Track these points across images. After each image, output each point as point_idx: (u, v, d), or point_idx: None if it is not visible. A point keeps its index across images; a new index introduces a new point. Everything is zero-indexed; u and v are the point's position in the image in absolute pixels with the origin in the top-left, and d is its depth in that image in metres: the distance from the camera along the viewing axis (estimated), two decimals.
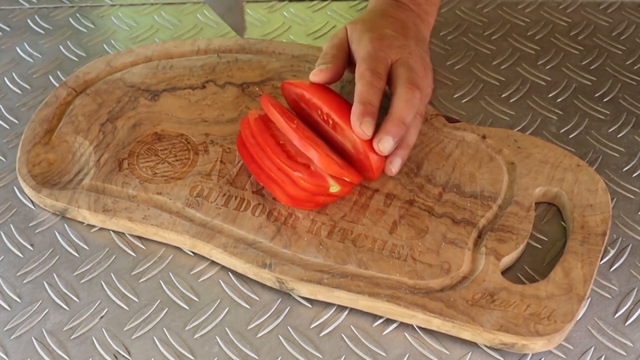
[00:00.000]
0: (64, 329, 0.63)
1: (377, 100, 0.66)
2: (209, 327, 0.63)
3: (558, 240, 0.67)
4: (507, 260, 0.64)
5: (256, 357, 0.61)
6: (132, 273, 0.67)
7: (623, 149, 0.74)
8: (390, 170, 0.67)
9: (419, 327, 0.62)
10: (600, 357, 0.60)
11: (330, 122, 0.66)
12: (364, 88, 0.67)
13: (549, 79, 0.82)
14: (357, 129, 0.64)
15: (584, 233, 0.64)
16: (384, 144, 0.64)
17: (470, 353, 0.61)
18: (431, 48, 0.86)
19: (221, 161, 0.72)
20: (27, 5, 0.95)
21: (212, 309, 0.64)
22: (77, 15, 0.93)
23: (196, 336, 0.62)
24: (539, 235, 0.68)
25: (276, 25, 0.91)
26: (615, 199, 0.70)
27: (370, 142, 0.65)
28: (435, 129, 0.74)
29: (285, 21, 0.91)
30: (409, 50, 0.72)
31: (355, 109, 0.65)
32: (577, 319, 0.61)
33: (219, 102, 0.78)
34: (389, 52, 0.70)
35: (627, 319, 0.62)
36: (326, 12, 0.92)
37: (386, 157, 0.67)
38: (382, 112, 0.66)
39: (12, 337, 0.63)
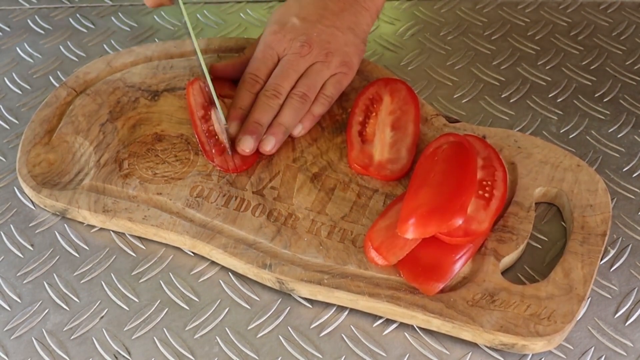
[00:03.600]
0: (64, 329, 0.63)
1: (247, 103, 0.73)
2: (209, 327, 0.63)
3: (558, 241, 0.67)
4: (507, 260, 0.64)
5: (256, 357, 0.61)
6: (132, 273, 0.67)
7: (623, 149, 0.74)
8: (263, 149, 0.71)
9: (419, 328, 0.62)
10: (601, 357, 0.60)
11: None
12: (238, 92, 0.74)
13: (549, 79, 0.82)
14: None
15: (584, 233, 0.64)
16: (243, 143, 0.70)
17: (470, 353, 0.61)
18: (431, 48, 0.86)
19: None
20: (27, 5, 0.95)
21: (212, 309, 0.64)
22: (77, 15, 0.93)
23: (196, 336, 0.62)
24: (539, 236, 0.68)
25: None
26: (615, 199, 0.70)
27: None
28: (436, 129, 0.74)
29: None
30: (306, 38, 0.74)
31: (230, 109, 0.73)
32: (577, 319, 0.61)
33: None
34: (276, 48, 0.75)
35: (627, 319, 0.62)
36: None
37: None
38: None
39: (12, 337, 0.63)
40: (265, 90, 0.73)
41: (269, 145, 0.71)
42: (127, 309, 0.64)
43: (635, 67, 0.83)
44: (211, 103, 0.73)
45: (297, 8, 0.77)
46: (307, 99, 0.73)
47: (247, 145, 0.70)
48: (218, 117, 0.72)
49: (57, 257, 0.68)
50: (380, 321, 0.63)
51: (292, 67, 0.73)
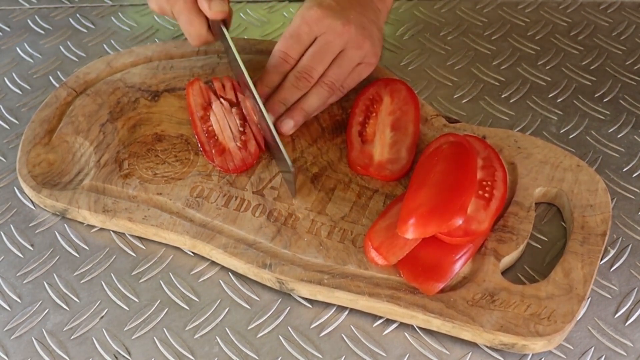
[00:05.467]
0: (64, 329, 0.63)
1: (274, 83, 0.73)
2: (209, 327, 0.63)
3: (558, 241, 0.67)
4: (507, 260, 0.64)
5: (256, 357, 0.61)
6: (132, 273, 0.67)
7: (623, 149, 0.74)
8: (280, 130, 0.72)
9: (419, 328, 0.62)
10: (600, 357, 0.60)
11: None
12: (266, 70, 0.73)
13: (549, 79, 0.82)
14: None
15: (584, 233, 0.64)
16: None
17: (470, 353, 0.61)
18: (431, 48, 0.86)
19: None
20: (27, 5, 0.95)
21: (212, 309, 0.64)
22: (77, 15, 0.93)
23: (196, 336, 0.62)
24: (539, 236, 0.68)
25: (276, 25, 0.91)
26: (615, 199, 0.70)
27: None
28: (436, 129, 0.74)
29: (285, 21, 0.91)
30: (346, 18, 0.73)
31: (257, 85, 0.72)
32: (577, 319, 0.61)
33: None
34: (314, 26, 0.73)
35: (627, 319, 0.62)
36: None
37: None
38: None
39: (12, 337, 0.63)
40: (297, 72, 0.72)
41: (287, 127, 0.71)
42: (127, 309, 0.64)
43: (635, 67, 0.83)
44: (252, 99, 0.72)
45: None
46: (335, 89, 0.73)
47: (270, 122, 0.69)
48: (258, 112, 0.70)
49: (57, 257, 0.68)
50: (380, 321, 0.63)
51: (329, 49, 0.73)
